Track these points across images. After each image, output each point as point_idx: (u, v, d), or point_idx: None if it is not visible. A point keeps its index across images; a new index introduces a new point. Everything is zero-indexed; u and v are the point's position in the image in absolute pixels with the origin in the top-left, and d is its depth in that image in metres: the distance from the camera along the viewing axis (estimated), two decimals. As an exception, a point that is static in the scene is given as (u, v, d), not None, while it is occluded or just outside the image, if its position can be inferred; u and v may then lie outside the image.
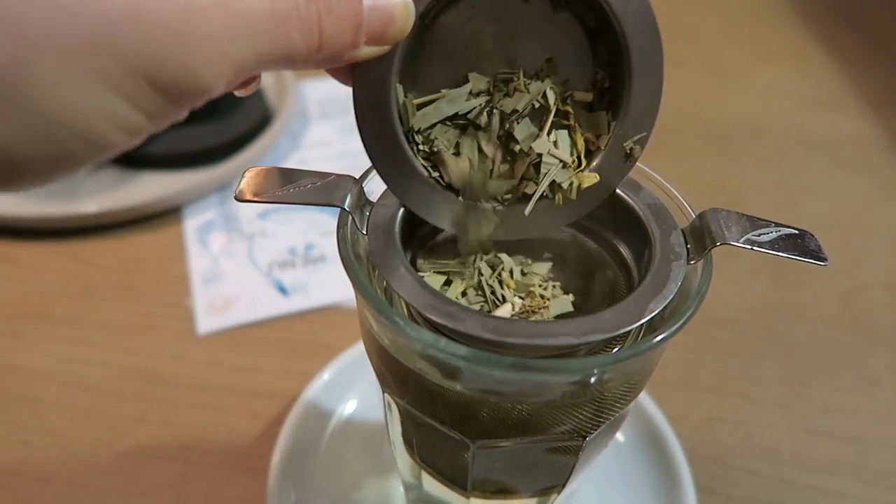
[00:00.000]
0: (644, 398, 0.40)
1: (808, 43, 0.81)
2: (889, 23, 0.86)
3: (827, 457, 0.40)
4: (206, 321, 0.45)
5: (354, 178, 0.24)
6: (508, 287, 0.25)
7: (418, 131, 0.24)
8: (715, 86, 0.74)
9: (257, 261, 0.50)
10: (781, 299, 0.49)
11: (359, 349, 0.41)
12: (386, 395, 0.27)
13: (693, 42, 0.81)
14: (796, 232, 0.23)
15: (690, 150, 0.64)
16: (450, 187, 0.25)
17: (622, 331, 0.21)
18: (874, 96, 0.71)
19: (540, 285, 0.26)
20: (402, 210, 0.25)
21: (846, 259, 0.53)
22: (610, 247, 0.27)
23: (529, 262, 0.27)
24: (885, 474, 0.39)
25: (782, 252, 0.23)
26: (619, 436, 0.39)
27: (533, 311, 0.25)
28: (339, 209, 0.23)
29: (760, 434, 0.41)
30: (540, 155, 0.24)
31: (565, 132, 0.24)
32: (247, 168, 0.23)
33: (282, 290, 0.48)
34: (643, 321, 0.21)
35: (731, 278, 0.50)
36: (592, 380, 0.22)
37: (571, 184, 0.24)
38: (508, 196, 0.25)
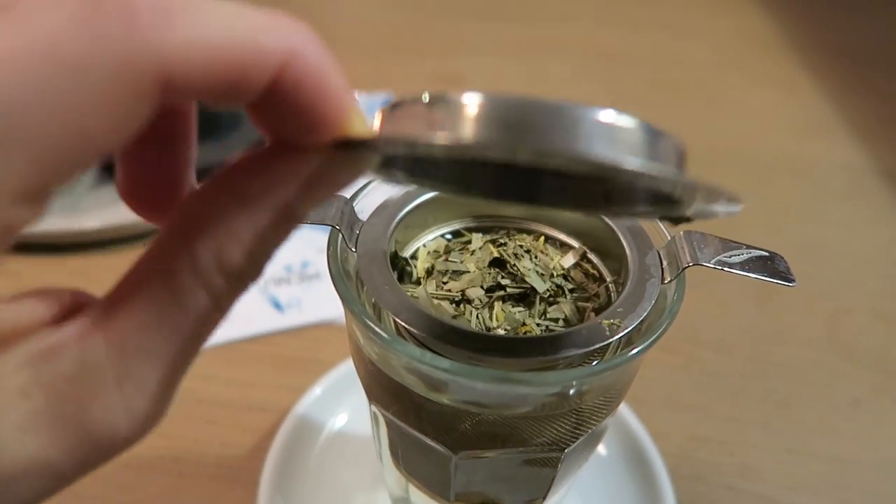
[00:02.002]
0: (628, 416, 0.40)
1: (797, 71, 0.82)
2: (877, 52, 0.88)
3: (808, 476, 0.41)
4: (202, 336, 0.46)
5: (346, 198, 0.25)
6: (497, 319, 0.26)
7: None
8: (706, 112, 0.75)
9: (253, 277, 0.51)
10: (766, 321, 0.50)
11: (350, 365, 0.42)
12: (373, 407, 0.28)
13: (685, 69, 0.83)
14: (766, 254, 0.25)
15: (680, 174, 0.65)
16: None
17: (595, 347, 0.22)
18: (861, 124, 0.73)
19: (533, 319, 0.26)
20: (391, 227, 0.26)
21: (831, 283, 0.54)
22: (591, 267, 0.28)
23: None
24: (864, 493, 0.40)
25: (752, 273, 0.24)
26: (604, 452, 0.40)
27: None
28: (330, 227, 0.24)
29: (743, 453, 0.41)
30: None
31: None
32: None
33: (277, 305, 0.49)
34: (616, 338, 0.22)
35: (717, 300, 0.51)
36: (571, 392, 0.23)
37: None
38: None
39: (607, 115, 0.14)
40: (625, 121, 0.14)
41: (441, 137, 0.14)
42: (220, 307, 0.15)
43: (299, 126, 0.14)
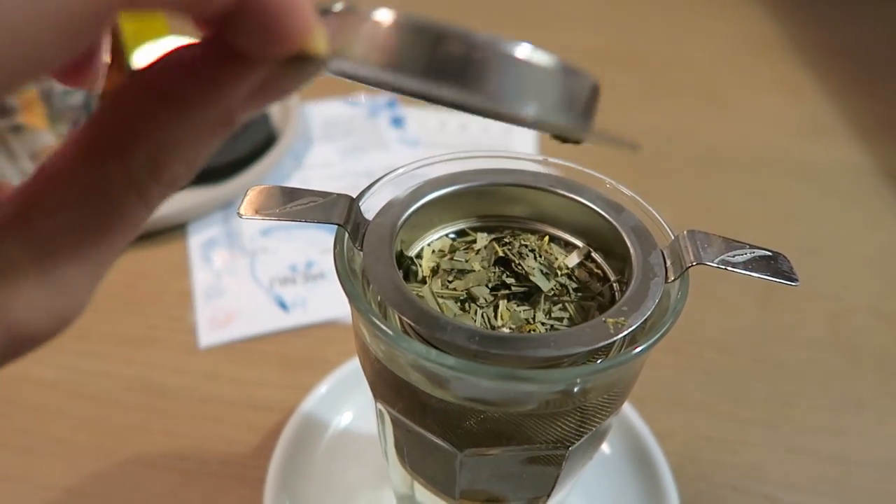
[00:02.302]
0: (632, 415, 0.41)
1: (800, 73, 0.82)
2: (879, 54, 0.88)
3: (811, 475, 0.41)
4: (208, 335, 0.47)
5: (352, 198, 0.25)
6: (502, 318, 0.26)
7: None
8: (709, 113, 0.76)
9: (259, 277, 0.51)
10: (769, 321, 0.50)
11: (355, 364, 0.42)
12: (378, 404, 0.28)
13: (689, 70, 0.83)
14: (769, 253, 0.25)
15: (684, 174, 0.65)
16: None
17: (599, 345, 0.22)
18: (864, 126, 0.73)
19: (537, 318, 0.26)
20: (397, 226, 0.26)
21: (833, 283, 0.54)
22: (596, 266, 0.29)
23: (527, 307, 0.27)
24: (867, 493, 0.40)
25: (755, 272, 0.24)
26: (608, 451, 0.40)
27: None
28: (336, 226, 0.25)
29: (746, 452, 0.42)
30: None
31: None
32: (250, 187, 0.25)
33: (282, 305, 0.49)
34: (620, 336, 0.22)
35: (720, 300, 0.51)
36: (575, 389, 0.23)
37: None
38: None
39: (522, 52, 0.15)
40: (537, 59, 0.15)
41: (382, 66, 0.14)
42: (150, 209, 0.14)
43: (259, 41, 0.13)
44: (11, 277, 0.13)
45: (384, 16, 0.15)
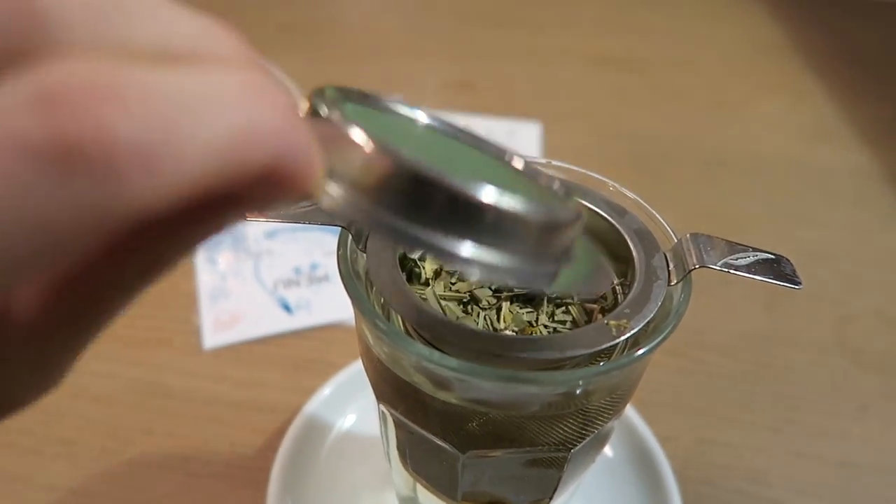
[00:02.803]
0: (636, 419, 0.41)
1: (805, 77, 0.82)
2: (884, 57, 0.88)
3: (816, 480, 0.41)
4: (212, 337, 0.47)
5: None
6: (505, 320, 0.26)
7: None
8: (714, 117, 0.75)
9: (263, 279, 0.51)
10: (774, 325, 0.50)
11: (359, 366, 0.42)
12: (381, 406, 0.28)
13: (694, 74, 0.83)
14: (772, 257, 0.25)
15: (689, 178, 0.65)
16: None
17: (602, 347, 0.22)
18: (869, 129, 0.73)
19: (540, 321, 0.27)
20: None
21: (839, 287, 0.54)
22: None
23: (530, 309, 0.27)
24: (871, 498, 0.40)
25: (758, 275, 0.24)
26: (611, 455, 0.40)
27: None
28: (340, 228, 0.25)
29: (751, 456, 0.42)
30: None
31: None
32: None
33: (286, 307, 0.49)
34: (622, 338, 0.22)
35: (725, 304, 0.51)
36: (577, 391, 0.23)
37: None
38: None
39: (488, 196, 0.14)
40: (503, 203, 0.14)
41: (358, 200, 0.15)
42: (132, 299, 0.15)
43: (265, 194, 0.13)
44: (13, 368, 0.14)
45: (360, 137, 0.14)
